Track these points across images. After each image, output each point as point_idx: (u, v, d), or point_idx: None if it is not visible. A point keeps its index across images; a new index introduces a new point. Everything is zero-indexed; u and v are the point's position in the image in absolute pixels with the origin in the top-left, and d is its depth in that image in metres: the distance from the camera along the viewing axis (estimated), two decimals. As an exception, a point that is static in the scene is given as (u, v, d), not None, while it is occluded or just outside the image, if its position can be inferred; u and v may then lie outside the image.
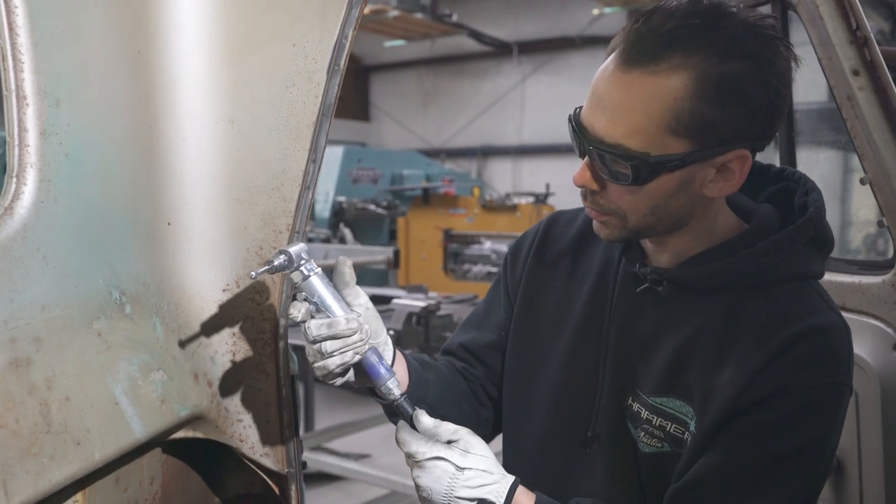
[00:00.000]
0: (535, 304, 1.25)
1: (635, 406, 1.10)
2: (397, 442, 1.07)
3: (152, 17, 1.05)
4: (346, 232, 6.99)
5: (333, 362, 1.04)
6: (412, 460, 1.05)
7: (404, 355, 1.21)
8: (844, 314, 1.52)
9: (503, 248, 7.41)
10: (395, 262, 4.76)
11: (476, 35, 12.95)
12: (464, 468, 1.02)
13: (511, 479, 1.05)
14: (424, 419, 1.08)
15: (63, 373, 0.90)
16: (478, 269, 7.39)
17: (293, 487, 1.26)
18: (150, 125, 1.07)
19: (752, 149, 1.03)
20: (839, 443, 1.06)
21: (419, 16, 11.50)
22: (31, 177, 0.87)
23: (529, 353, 1.24)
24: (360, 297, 1.10)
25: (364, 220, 7.46)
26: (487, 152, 14.18)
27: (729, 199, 1.12)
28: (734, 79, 0.96)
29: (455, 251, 7.57)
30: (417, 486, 1.04)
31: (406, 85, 15.11)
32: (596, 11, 12.11)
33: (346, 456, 4.74)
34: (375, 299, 1.26)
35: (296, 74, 1.12)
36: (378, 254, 4.98)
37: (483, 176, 13.65)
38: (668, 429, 1.06)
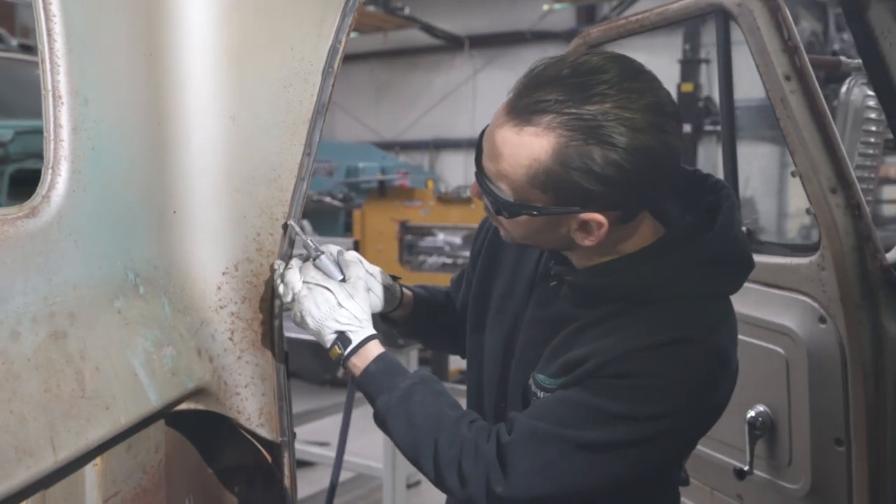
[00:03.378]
0: (491, 274, 1.38)
1: (530, 382, 1.22)
2: (289, 279, 1.23)
3: (163, 21, 1.14)
4: (305, 223, 7.03)
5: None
6: (305, 285, 1.22)
7: (411, 289, 1.47)
8: (778, 292, 1.72)
9: (456, 239, 7.53)
10: (355, 253, 4.83)
11: (428, 29, 13.01)
12: (343, 306, 1.22)
13: (373, 332, 1.23)
14: (349, 254, 1.31)
15: (93, 345, 0.99)
16: (433, 260, 7.50)
17: (286, 455, 1.36)
18: (159, 121, 1.16)
19: (620, 212, 1.07)
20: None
21: (371, 8, 11.51)
22: (64, 168, 0.96)
23: (481, 316, 1.37)
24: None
25: (320, 213, 7.50)
26: (440, 145, 14.28)
27: (660, 206, 1.18)
28: (591, 160, 1.01)
29: (410, 243, 7.67)
30: (300, 304, 1.21)
31: (359, 77, 15.08)
32: (546, 7, 12.31)
33: (306, 443, 4.81)
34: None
35: (293, 75, 1.22)
36: (339, 244, 5.05)
37: (435, 168, 13.75)
38: None
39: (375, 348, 1.22)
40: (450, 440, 1.13)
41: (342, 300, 1.22)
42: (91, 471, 1.08)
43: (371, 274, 1.35)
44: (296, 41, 1.20)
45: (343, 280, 1.27)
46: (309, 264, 1.26)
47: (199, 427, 1.33)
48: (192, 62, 1.17)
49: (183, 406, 1.24)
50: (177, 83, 1.17)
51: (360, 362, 1.22)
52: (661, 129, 1.02)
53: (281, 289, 1.23)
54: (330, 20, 1.19)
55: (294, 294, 1.22)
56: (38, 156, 0.92)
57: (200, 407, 1.28)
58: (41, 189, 0.94)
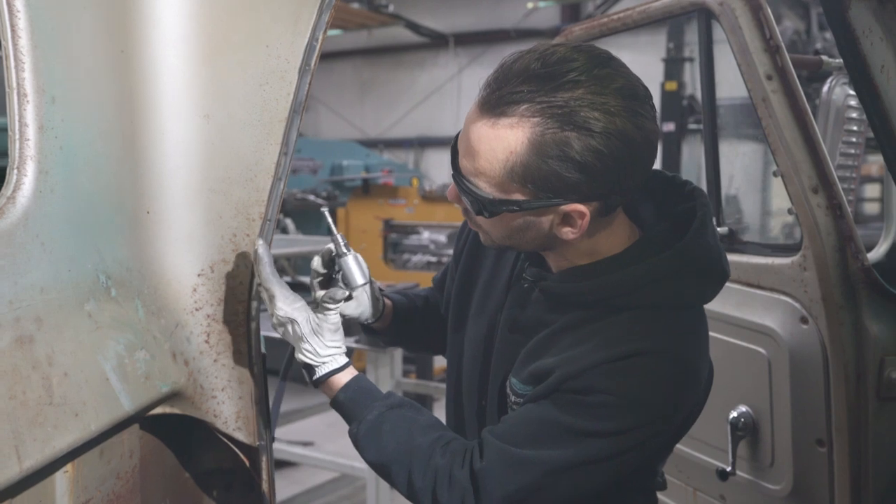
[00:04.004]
0: (474, 272, 1.37)
1: (507, 385, 1.22)
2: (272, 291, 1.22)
3: (134, 18, 1.11)
4: (288, 222, 6.98)
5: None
6: (276, 316, 1.22)
7: (391, 298, 1.46)
8: (760, 292, 1.71)
9: (441, 237, 7.52)
10: (338, 252, 4.80)
11: (412, 26, 12.99)
12: (307, 341, 1.22)
13: (337, 365, 1.23)
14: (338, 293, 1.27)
15: (61, 350, 0.97)
16: (417, 258, 7.48)
17: (264, 458, 1.34)
18: (132, 120, 1.14)
19: (601, 203, 1.06)
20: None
21: (356, 6, 11.46)
22: (30, 168, 0.94)
23: (463, 314, 1.37)
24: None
25: (304, 211, 7.46)
26: (424, 143, 14.26)
27: (637, 210, 1.18)
28: (568, 146, 0.99)
29: (395, 241, 7.64)
30: (278, 327, 1.24)
31: (343, 75, 15.04)
32: (530, 5, 12.31)
33: (291, 443, 4.78)
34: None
35: (269, 73, 1.19)
36: (321, 243, 5.03)
37: (420, 166, 13.72)
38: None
39: (343, 377, 1.23)
40: (423, 470, 1.14)
41: (306, 334, 1.22)
42: (62, 478, 1.05)
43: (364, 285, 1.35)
44: (271, 39, 1.18)
45: (354, 290, 1.29)
46: (277, 291, 1.22)
47: (176, 430, 1.31)
48: (165, 60, 1.15)
49: (158, 410, 1.22)
50: (149, 81, 1.14)
51: (327, 391, 1.25)
52: (635, 112, 1.01)
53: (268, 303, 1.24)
54: (306, 17, 1.17)
55: (273, 316, 1.24)
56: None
57: (176, 411, 1.25)
58: (6, 190, 0.92)
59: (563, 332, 1.14)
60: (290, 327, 1.22)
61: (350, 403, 1.22)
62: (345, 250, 1.30)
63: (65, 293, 1.00)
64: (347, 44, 14.28)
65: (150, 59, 1.14)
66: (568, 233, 1.08)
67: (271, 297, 1.21)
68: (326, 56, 14.90)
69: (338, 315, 1.25)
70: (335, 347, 1.24)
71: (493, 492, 1.10)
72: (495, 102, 1.02)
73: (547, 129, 1.00)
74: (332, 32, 13.22)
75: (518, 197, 1.05)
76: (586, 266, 1.15)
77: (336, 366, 1.24)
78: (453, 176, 1.11)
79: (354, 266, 1.30)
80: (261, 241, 1.23)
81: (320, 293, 1.27)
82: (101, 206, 1.10)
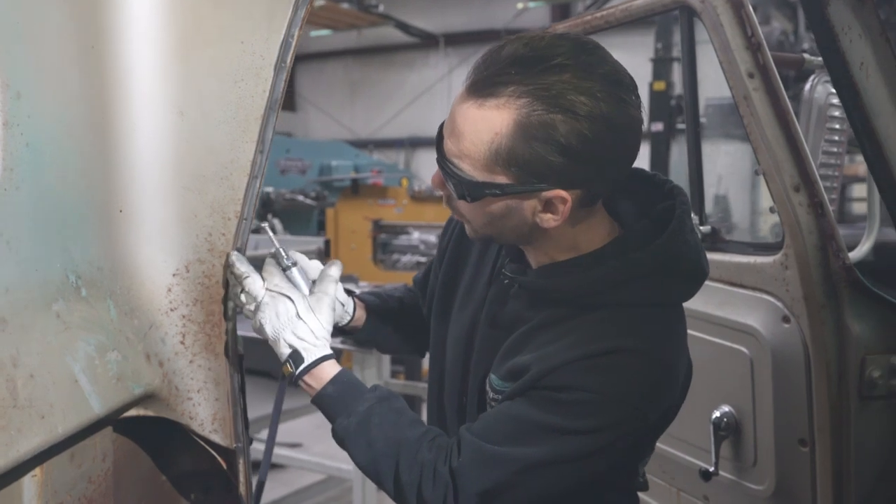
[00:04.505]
0: (459, 266, 1.36)
1: (487, 383, 1.22)
2: (251, 288, 1.19)
3: (105, 13, 1.09)
4: (276, 223, 6.96)
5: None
6: (268, 292, 1.19)
7: (363, 299, 1.44)
8: (742, 291, 1.71)
9: (431, 238, 7.50)
10: (325, 252, 4.80)
11: (403, 26, 13.00)
12: (302, 319, 1.19)
13: (328, 352, 1.21)
14: (313, 263, 1.29)
15: (27, 351, 0.95)
16: (407, 258, 7.46)
17: (241, 461, 1.32)
18: (103, 116, 1.12)
19: (583, 191, 1.06)
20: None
21: (346, 6, 11.45)
22: (-6, 165, 0.92)
23: (447, 308, 1.36)
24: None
25: (292, 211, 7.44)
26: (415, 143, 14.27)
27: (617, 208, 1.18)
28: (553, 129, 0.99)
29: (384, 241, 7.63)
30: (261, 312, 1.19)
31: (333, 75, 15.03)
32: (521, 5, 12.35)
33: (278, 444, 4.76)
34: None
35: (244, 70, 1.18)
36: (309, 244, 5.01)
37: (411, 167, 13.72)
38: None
39: (331, 368, 1.20)
40: (409, 464, 1.13)
41: (302, 312, 1.19)
42: (30, 482, 1.03)
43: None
44: (246, 35, 1.16)
45: (309, 294, 1.25)
46: (273, 269, 1.23)
47: (153, 433, 1.29)
48: (138, 55, 1.13)
49: (131, 412, 1.20)
50: (121, 77, 1.13)
51: (314, 382, 1.20)
52: (620, 98, 1.01)
53: (244, 298, 1.21)
54: (281, 13, 1.16)
55: (257, 303, 1.20)
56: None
57: (150, 413, 1.23)
58: (-31, 188, 0.90)
59: (540, 328, 1.14)
60: (282, 306, 1.19)
61: (339, 397, 1.19)
62: (288, 263, 1.27)
63: (31, 293, 0.98)
64: (337, 44, 14.27)
65: (121, 54, 1.12)
66: (549, 220, 1.07)
67: (268, 275, 1.20)
68: (316, 56, 14.88)
69: (341, 289, 1.24)
70: (328, 331, 1.22)
71: (469, 489, 1.09)
72: (483, 84, 1.02)
73: (533, 111, 1.00)
74: (322, 32, 13.19)
75: (501, 180, 1.05)
76: (564, 262, 1.14)
77: (328, 351, 1.21)
78: (437, 160, 1.10)
79: (299, 278, 1.27)
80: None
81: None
82: (71, 203, 1.08)
